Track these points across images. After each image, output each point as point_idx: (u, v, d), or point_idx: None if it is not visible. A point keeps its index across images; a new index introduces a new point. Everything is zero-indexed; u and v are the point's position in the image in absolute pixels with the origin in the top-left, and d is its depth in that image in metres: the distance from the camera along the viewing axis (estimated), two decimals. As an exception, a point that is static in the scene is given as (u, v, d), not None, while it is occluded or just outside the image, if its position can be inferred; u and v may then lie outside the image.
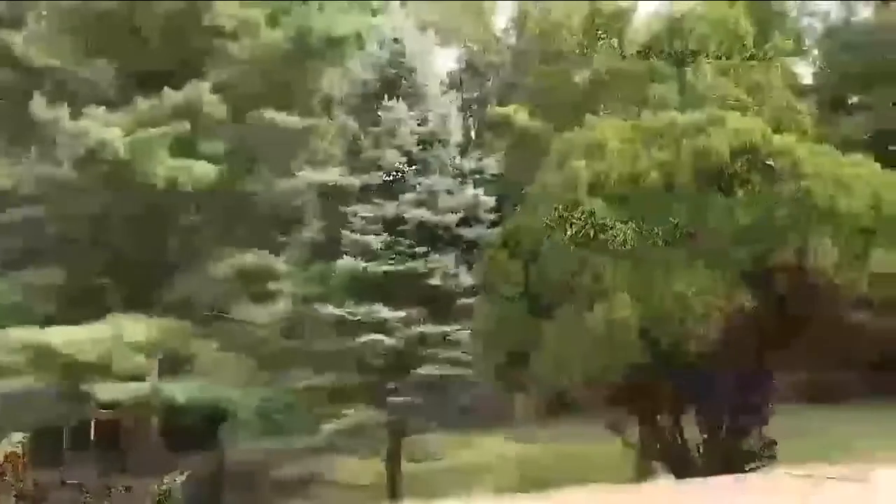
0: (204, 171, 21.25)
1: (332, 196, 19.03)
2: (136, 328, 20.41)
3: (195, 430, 23.13)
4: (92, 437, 24.28)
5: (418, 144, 19.07)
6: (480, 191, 19.32)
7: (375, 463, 19.77)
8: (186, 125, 21.20)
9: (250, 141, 23.09)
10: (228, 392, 20.40)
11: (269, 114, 22.19)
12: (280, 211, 22.50)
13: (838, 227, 9.78)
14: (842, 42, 39.67)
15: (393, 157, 18.51)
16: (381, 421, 17.56)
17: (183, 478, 18.55)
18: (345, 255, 17.73)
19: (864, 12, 44.54)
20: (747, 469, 11.31)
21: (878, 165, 11.14)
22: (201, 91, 21.75)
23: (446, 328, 17.57)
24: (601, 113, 21.37)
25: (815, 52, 43.74)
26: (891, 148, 38.91)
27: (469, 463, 22.78)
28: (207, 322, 23.72)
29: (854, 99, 40.97)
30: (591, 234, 10.25)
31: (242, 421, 20.67)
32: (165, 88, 21.73)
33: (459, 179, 19.54)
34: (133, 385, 20.34)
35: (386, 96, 19.17)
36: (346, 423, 17.05)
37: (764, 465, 11.39)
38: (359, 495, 20.59)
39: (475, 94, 44.26)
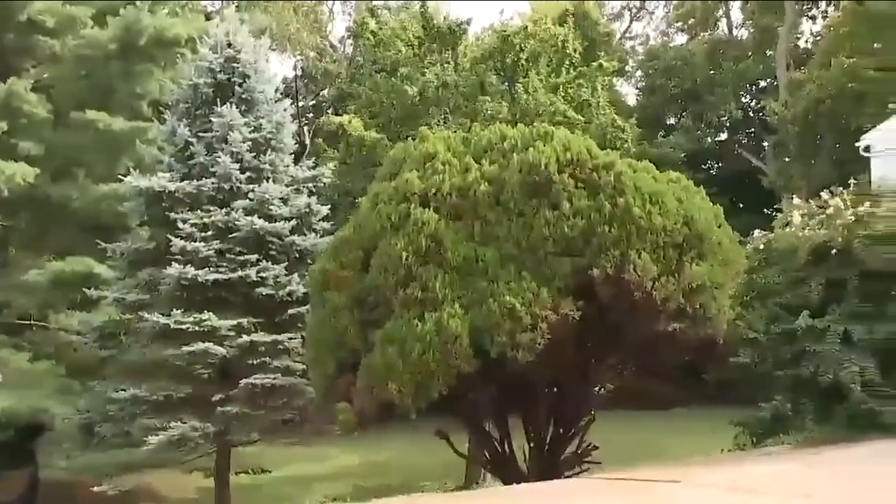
0: (22, 172, 20.20)
1: (160, 202, 18.51)
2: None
3: (6, 445, 21.91)
4: None
5: (251, 151, 18.82)
6: (314, 199, 19.27)
7: (202, 475, 19.31)
8: (3, 125, 20.13)
9: (72, 143, 22.15)
10: (46, 404, 19.45)
11: (93, 115, 21.37)
12: (103, 216, 21.67)
13: (655, 241, 10.28)
14: (660, 65, 41.92)
15: (225, 164, 18.18)
16: (209, 432, 17.18)
17: (-8, 497, 17.54)
18: (173, 263, 17.28)
19: (680, 38, 47.33)
20: (569, 474, 11.70)
21: (691, 183, 11.81)
22: (20, 89, 20.72)
23: (277, 337, 17.40)
24: (433, 125, 21.68)
25: (638, 73, 46.06)
26: (703, 166, 41.39)
27: (300, 474, 22.59)
28: (20, 331, 22.58)
29: (672, 120, 43.37)
30: (422, 244, 10.38)
31: (61, 434, 19.77)
32: (-22, 85, 20.59)
33: (293, 187, 19.41)
34: (-63, 399, 19.09)
35: (218, 102, 18.83)
36: (172, 434, 16.55)
37: (585, 470, 11.81)
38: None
39: (310, 102, 44.11)
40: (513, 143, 11.22)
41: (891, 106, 19.94)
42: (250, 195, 18.32)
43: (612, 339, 11.06)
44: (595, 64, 25.89)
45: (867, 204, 11.11)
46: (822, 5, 41.53)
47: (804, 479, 7.87)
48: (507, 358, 9.97)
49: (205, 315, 16.99)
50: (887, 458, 9.04)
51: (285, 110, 20.25)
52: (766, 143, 40.77)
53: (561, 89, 23.98)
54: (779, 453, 10.18)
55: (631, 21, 51.39)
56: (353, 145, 24.53)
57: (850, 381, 9.81)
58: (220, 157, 18.26)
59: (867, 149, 21.19)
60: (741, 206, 35.13)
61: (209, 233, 17.81)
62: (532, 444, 12.00)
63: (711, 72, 41.44)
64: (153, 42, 22.25)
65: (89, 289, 19.55)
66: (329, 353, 11.23)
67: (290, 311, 17.69)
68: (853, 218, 10.92)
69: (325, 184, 20.89)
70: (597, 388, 12.57)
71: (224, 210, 18.11)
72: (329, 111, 38.56)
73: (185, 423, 16.73)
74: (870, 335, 10.15)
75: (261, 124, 19.26)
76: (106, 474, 18.00)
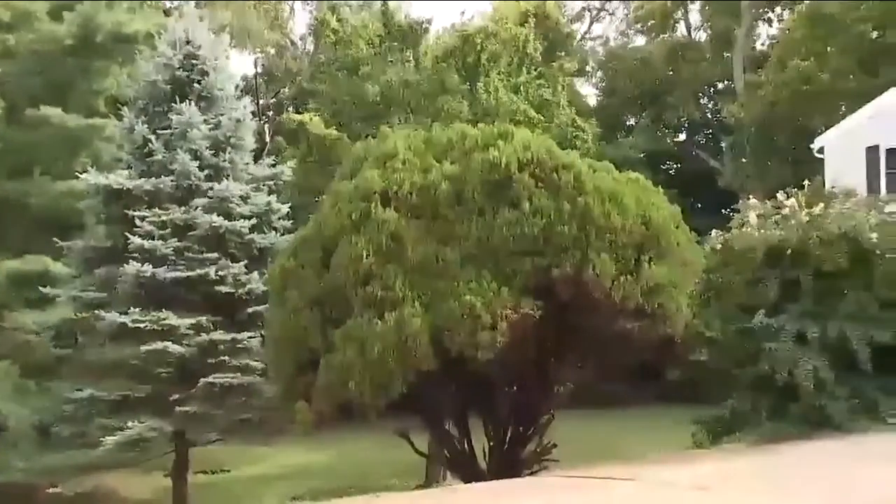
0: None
1: (118, 199, 18.31)
2: None
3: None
4: None
5: (211, 149, 18.68)
6: (274, 197, 19.17)
7: (161, 475, 19.14)
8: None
9: (27, 140, 21.85)
10: (0, 404, 19.17)
11: (48, 112, 21.09)
12: (60, 213, 21.40)
13: (614, 241, 10.37)
14: (620, 66, 42.27)
15: (184, 162, 18.03)
16: (168, 432, 17.03)
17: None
18: (131, 261, 17.11)
19: (640, 40, 47.77)
20: (528, 473, 11.76)
21: (650, 183, 11.92)
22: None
23: (237, 335, 17.29)
24: (394, 123, 21.69)
25: (598, 74, 46.38)
26: (662, 167, 41.81)
27: (259, 473, 22.46)
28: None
29: (631, 120, 43.75)
30: (383, 243, 10.37)
31: (16, 435, 19.48)
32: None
33: (253, 185, 19.30)
34: None
35: (177, 99, 18.67)
36: (129, 434, 16.37)
37: (544, 469, 11.88)
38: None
39: (271, 100, 43.83)
40: (473, 142, 11.25)
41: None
42: (209, 193, 18.18)
43: (572, 338, 11.12)
44: (556, 64, 26.07)
45: (821, 204, 11.30)
46: (778, 9, 42.16)
47: (759, 477, 8.00)
48: (468, 357, 9.99)
49: (163, 313, 16.84)
50: (839, 455, 9.20)
51: (245, 108, 20.11)
52: (723, 144, 41.28)
53: (522, 89, 24.11)
54: (735, 451, 10.32)
55: (591, 22, 51.71)
56: (314, 143, 24.49)
57: (804, 379, 9.97)
58: (178, 154, 18.11)
59: (821, 150, 21.54)
60: (699, 206, 35.48)
61: (168, 231, 17.65)
62: (492, 443, 12.05)
63: (670, 73, 41.86)
64: (111, 38, 22.03)
65: (45, 287, 19.29)
66: (288, 352, 11.19)
67: (250, 310, 17.58)
68: (807, 218, 11.09)
69: (285, 182, 20.79)
70: (557, 388, 12.63)
71: (183, 208, 17.96)
72: (289, 109, 38.38)
73: (143, 422, 16.57)
74: (823, 334, 10.32)
75: (220, 122, 19.12)
76: (64, 474, 17.76)
